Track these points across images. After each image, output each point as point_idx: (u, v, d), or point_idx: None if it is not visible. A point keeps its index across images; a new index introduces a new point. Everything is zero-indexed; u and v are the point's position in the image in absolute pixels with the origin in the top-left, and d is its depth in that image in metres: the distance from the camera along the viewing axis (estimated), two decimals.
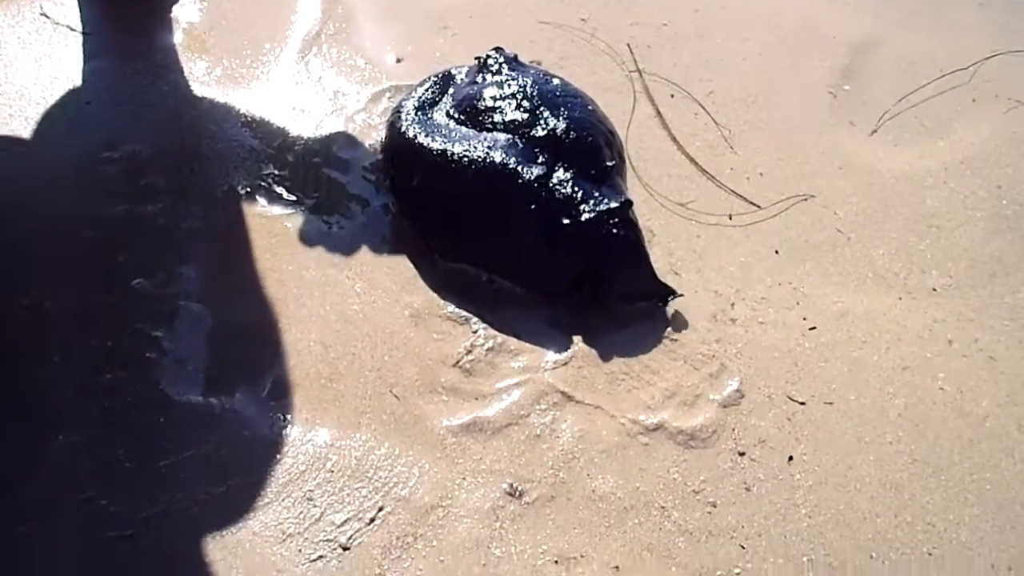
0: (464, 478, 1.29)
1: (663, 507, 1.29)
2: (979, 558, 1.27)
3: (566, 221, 1.44)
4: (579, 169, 1.49)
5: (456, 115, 1.58)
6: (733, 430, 1.38)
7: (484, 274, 1.50)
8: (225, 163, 1.64)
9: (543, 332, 1.46)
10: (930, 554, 1.27)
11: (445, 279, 1.52)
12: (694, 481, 1.32)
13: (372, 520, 1.24)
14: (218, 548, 1.19)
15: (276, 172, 1.63)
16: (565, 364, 1.43)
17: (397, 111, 1.64)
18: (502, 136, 1.52)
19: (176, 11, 1.91)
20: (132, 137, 1.64)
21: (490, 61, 1.67)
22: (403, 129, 1.58)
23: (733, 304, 1.54)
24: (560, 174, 1.48)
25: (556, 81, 1.63)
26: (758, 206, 1.71)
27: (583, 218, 1.44)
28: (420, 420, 1.35)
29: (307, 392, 1.36)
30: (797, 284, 1.59)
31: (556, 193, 1.46)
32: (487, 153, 1.48)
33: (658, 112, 1.86)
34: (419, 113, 1.61)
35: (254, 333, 1.42)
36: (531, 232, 1.46)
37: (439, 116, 1.60)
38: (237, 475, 1.25)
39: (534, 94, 1.57)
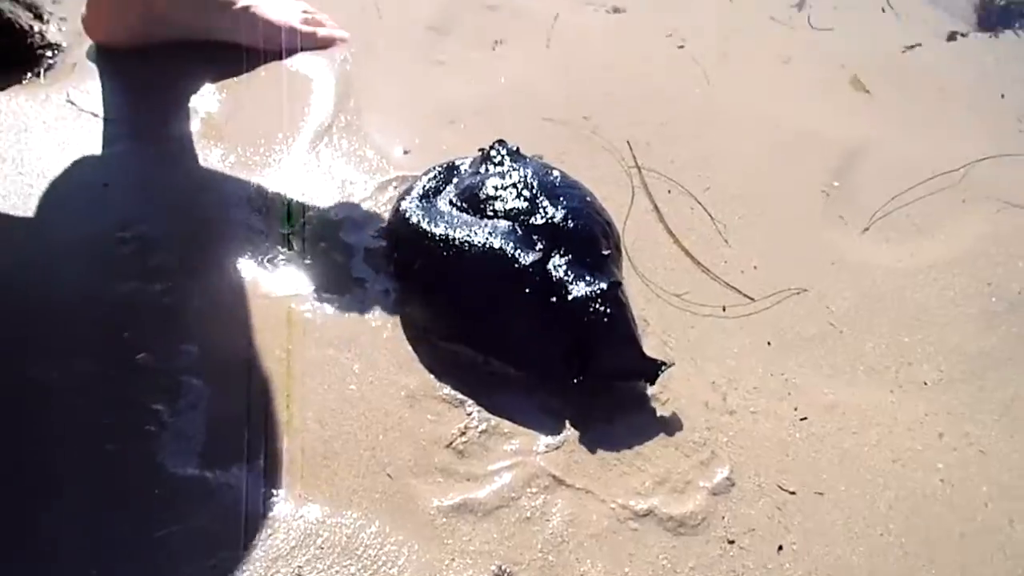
0: (453, 559, 1.29)
1: None
2: None
3: (554, 300, 1.48)
4: (575, 256, 1.53)
5: (458, 203, 1.64)
6: (723, 518, 1.38)
7: (480, 356, 1.52)
8: (233, 245, 1.69)
9: (536, 416, 1.48)
10: None
11: (442, 361, 1.54)
12: (683, 568, 1.31)
13: None
14: None
15: (282, 255, 1.68)
16: (557, 448, 1.44)
17: (402, 198, 1.70)
18: (502, 223, 1.57)
19: (195, 100, 1.99)
20: (145, 218, 1.70)
21: (493, 153, 1.74)
22: (407, 215, 1.63)
23: (725, 393, 1.56)
24: (556, 260, 1.52)
25: (556, 173, 1.69)
26: (752, 299, 1.74)
27: (570, 297, 1.47)
28: (412, 500, 1.35)
29: (302, 469, 1.37)
30: (789, 375, 1.61)
31: (550, 277, 1.50)
32: (487, 239, 1.53)
33: (655, 206, 1.92)
34: (423, 200, 1.67)
35: (252, 409, 1.44)
36: (525, 314, 1.49)
37: (442, 203, 1.65)
38: (227, 548, 1.26)
39: (534, 184, 1.62)
